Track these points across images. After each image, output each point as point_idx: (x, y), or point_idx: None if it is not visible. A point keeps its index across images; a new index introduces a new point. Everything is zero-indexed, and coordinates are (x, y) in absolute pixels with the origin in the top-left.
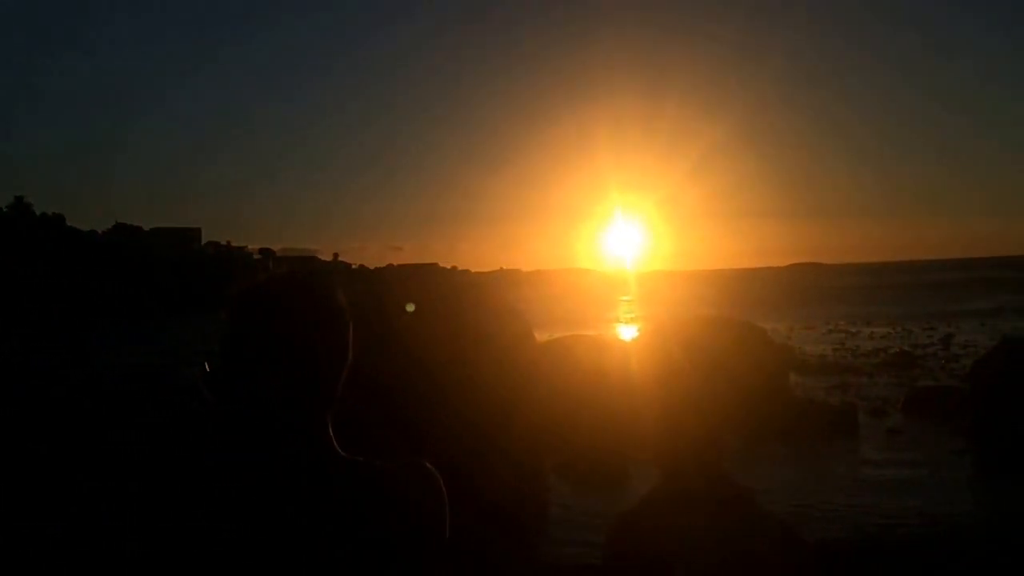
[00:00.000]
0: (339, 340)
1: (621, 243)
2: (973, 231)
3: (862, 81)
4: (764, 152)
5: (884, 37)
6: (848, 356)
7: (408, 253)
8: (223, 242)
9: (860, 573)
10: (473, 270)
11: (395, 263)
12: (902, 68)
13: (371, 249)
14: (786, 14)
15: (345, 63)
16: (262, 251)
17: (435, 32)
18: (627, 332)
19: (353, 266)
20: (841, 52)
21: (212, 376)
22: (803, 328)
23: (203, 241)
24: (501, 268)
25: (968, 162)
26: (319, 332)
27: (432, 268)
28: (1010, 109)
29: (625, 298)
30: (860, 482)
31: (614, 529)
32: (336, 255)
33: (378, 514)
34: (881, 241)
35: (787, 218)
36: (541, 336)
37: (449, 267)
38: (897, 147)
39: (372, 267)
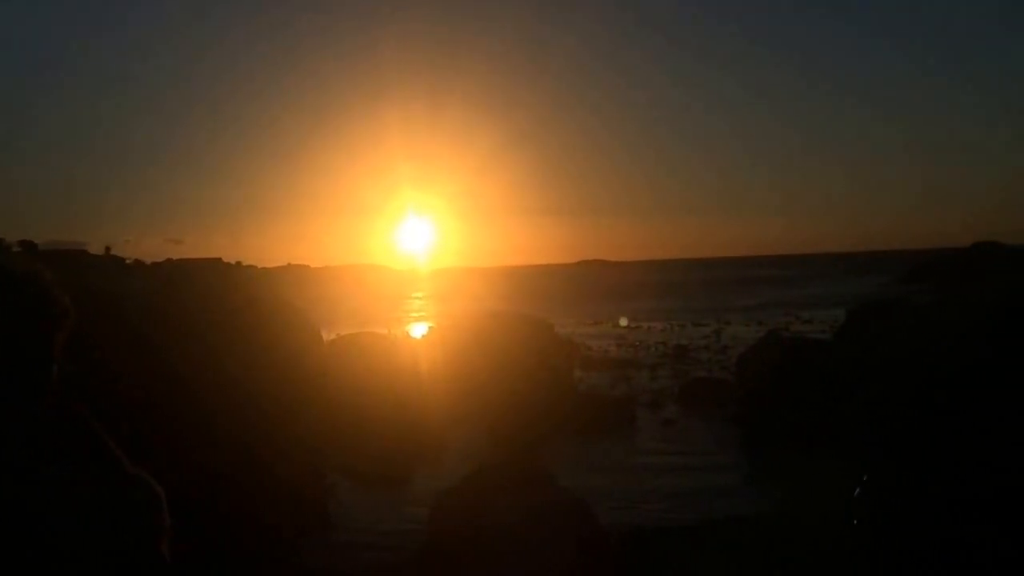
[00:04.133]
0: (44, 335)
1: (413, 239)
2: (747, 230)
3: (647, 81)
4: (555, 151)
5: (670, 38)
6: (629, 351)
7: (189, 247)
8: None
9: (636, 555)
10: (259, 265)
11: (174, 257)
12: (688, 67)
13: (148, 242)
14: (571, 13)
15: (116, 42)
16: (23, 244)
17: (219, 17)
18: (418, 329)
19: (128, 261)
20: (632, 50)
21: None
22: (589, 324)
23: None
24: (289, 264)
25: (745, 165)
26: (24, 327)
27: (215, 263)
28: (793, 114)
29: (417, 295)
30: (636, 470)
31: (436, 505)
32: (108, 248)
33: (80, 526)
34: (663, 239)
35: (577, 216)
36: (328, 334)
37: (234, 262)
38: (678, 147)
39: (149, 262)
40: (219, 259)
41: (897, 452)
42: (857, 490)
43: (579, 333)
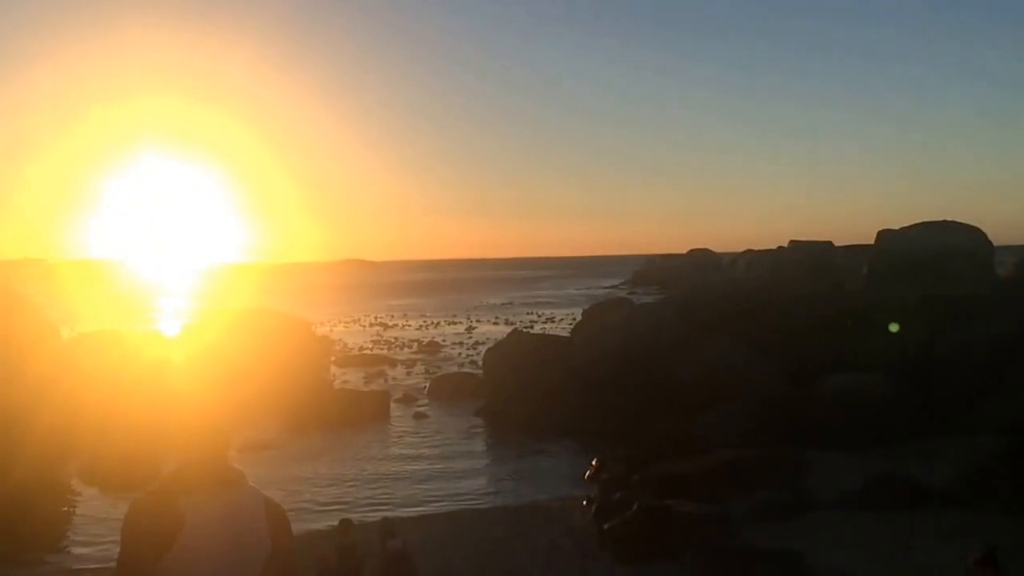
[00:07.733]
0: None
1: (171, 235)
2: (495, 233)
3: (405, 83)
4: (317, 151)
5: (421, 41)
6: (385, 347)
7: None
8: None
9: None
10: None
11: None
12: (441, 70)
13: None
14: (330, 13)
15: None
16: None
17: None
18: (171, 326)
19: None
20: (392, 52)
21: None
22: (346, 322)
23: None
24: (25, 257)
25: (495, 171)
26: None
27: None
28: (542, 128)
29: (173, 291)
30: (391, 463)
31: (130, 509)
32: None
33: None
34: (421, 241)
35: (338, 215)
36: (69, 331)
37: None
38: (436, 152)
39: None
40: None
41: (617, 437)
42: (587, 473)
43: (337, 330)
